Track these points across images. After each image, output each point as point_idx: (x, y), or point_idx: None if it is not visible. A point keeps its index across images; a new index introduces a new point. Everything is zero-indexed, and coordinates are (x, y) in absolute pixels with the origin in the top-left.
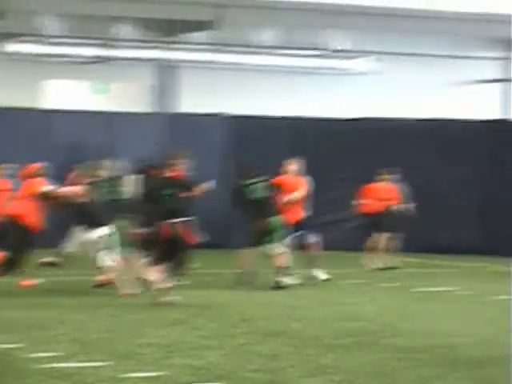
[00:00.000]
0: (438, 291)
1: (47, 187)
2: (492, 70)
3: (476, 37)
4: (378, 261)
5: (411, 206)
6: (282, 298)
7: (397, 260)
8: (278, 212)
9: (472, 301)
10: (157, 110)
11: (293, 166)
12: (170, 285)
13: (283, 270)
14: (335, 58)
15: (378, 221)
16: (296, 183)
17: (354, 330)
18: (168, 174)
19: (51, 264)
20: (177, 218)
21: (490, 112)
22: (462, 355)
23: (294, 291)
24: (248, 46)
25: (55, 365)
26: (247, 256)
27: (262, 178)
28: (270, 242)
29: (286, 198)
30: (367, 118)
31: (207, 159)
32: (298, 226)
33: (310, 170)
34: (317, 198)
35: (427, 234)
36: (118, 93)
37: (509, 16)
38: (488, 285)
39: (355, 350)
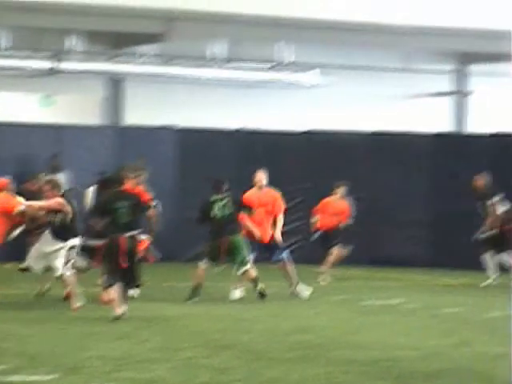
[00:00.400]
0: (386, 304)
1: (23, 205)
2: (443, 82)
3: (427, 50)
4: (328, 275)
5: (352, 220)
6: (232, 311)
7: (346, 273)
8: (240, 230)
9: (421, 314)
10: (106, 122)
11: (261, 177)
12: (122, 298)
13: (256, 281)
14: (285, 70)
15: (332, 235)
16: (267, 198)
17: (302, 342)
18: (122, 186)
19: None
20: (129, 231)
21: (440, 125)
22: (407, 368)
23: (244, 304)
24: (198, 59)
25: (2, 378)
26: (202, 270)
27: (227, 195)
28: (234, 260)
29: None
30: (317, 131)
31: (158, 172)
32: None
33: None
34: None
35: (377, 247)
36: (68, 105)
37: (459, 29)
38: (437, 298)
39: (303, 363)
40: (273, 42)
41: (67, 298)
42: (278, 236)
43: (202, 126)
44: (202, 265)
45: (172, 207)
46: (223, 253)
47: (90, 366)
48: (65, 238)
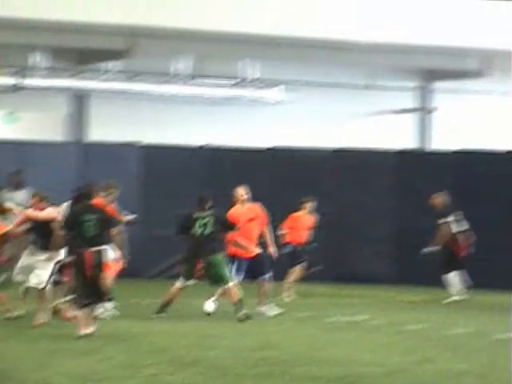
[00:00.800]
0: (351, 321)
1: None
2: (407, 99)
3: (390, 67)
4: (292, 292)
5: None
6: (197, 328)
7: (311, 290)
8: (221, 250)
9: (385, 330)
10: (70, 139)
11: (243, 192)
12: (89, 317)
13: (238, 305)
14: (249, 87)
15: (299, 251)
16: (252, 212)
17: (267, 359)
18: (91, 201)
19: None
20: (95, 245)
21: (404, 142)
22: None
23: (210, 321)
24: (162, 76)
25: None
26: (176, 288)
27: (210, 213)
28: (213, 279)
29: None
30: (282, 148)
31: (123, 188)
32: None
33: (227, 199)
34: None
35: (342, 264)
36: (31, 122)
37: (422, 46)
38: (401, 314)
39: (268, 379)
40: (237, 59)
41: (56, 313)
42: (273, 250)
43: (166, 142)
44: (178, 284)
45: (136, 224)
46: (199, 272)
47: (53, 382)
48: (52, 250)
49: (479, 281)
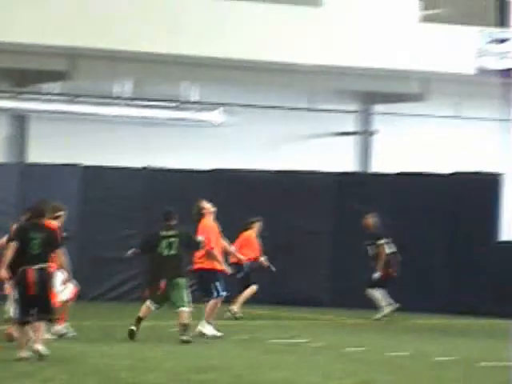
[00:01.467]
0: (292, 343)
1: None
2: (348, 122)
3: (331, 89)
4: (239, 312)
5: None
6: (138, 350)
7: (251, 312)
8: (185, 271)
9: (326, 353)
10: (10, 160)
11: (209, 206)
12: (31, 338)
13: (185, 328)
14: (191, 109)
15: (248, 272)
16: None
17: (206, 381)
18: (39, 219)
19: None
20: (39, 263)
21: (345, 164)
22: None
23: (150, 343)
24: (103, 97)
25: None
26: (147, 307)
27: (176, 233)
28: (173, 300)
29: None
30: (223, 170)
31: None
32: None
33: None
34: None
35: (281, 286)
36: None
37: (362, 69)
38: (341, 337)
39: None
40: (178, 81)
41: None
42: (227, 268)
43: (107, 164)
44: (149, 304)
45: (76, 246)
46: (163, 294)
47: None
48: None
49: (418, 303)
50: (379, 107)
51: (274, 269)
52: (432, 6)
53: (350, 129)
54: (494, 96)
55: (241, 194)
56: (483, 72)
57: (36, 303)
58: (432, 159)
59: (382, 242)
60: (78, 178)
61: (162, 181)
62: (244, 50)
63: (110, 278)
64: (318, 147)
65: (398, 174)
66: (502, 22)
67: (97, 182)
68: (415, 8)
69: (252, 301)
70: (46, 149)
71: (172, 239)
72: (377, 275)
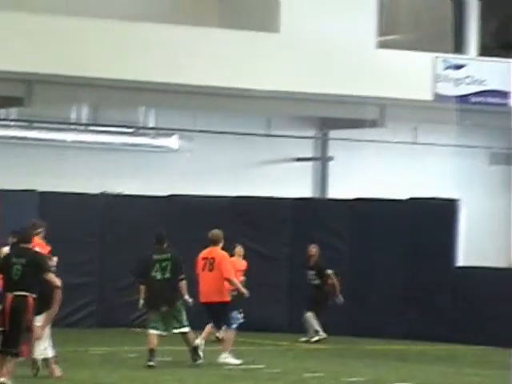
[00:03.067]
0: (248, 369)
1: None
2: (305, 148)
3: (288, 115)
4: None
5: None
6: (93, 376)
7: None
8: (179, 295)
9: (283, 378)
10: None
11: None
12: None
13: (193, 350)
14: (148, 135)
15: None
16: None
17: None
18: (26, 244)
19: None
20: (18, 290)
21: (302, 190)
22: None
23: (106, 369)
24: (60, 123)
25: None
26: (152, 336)
27: (168, 256)
28: (171, 324)
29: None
30: (179, 195)
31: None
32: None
33: (123, 246)
34: None
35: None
36: None
37: (318, 95)
38: (298, 362)
39: None
40: (135, 107)
41: None
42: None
43: (64, 189)
44: (152, 331)
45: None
46: (164, 319)
47: None
48: None
49: (375, 329)
50: (336, 133)
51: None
52: (389, 32)
53: (307, 155)
54: (451, 122)
55: (197, 220)
56: (440, 98)
57: (9, 332)
58: (389, 185)
59: (330, 272)
60: (35, 203)
61: (119, 206)
62: (201, 76)
63: (66, 304)
64: (275, 173)
65: (356, 200)
66: (458, 48)
67: (53, 207)
68: (372, 34)
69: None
70: (3, 175)
71: (165, 263)
72: (339, 301)
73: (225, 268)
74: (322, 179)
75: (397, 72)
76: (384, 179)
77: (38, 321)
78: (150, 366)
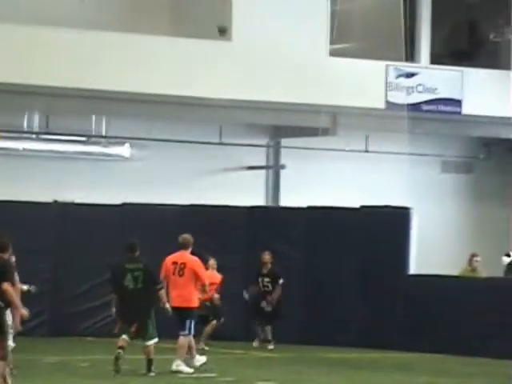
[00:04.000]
0: (201, 377)
1: None
2: (257, 156)
3: (240, 124)
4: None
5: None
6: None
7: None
8: (153, 305)
9: None
10: None
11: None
12: None
13: (150, 361)
14: (100, 143)
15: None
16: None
17: None
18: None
19: None
20: None
21: (255, 198)
22: None
23: (59, 378)
24: (12, 131)
25: None
26: (124, 341)
27: (140, 267)
28: (146, 336)
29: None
30: (132, 204)
31: None
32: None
33: (75, 255)
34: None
35: None
36: None
37: (274, 103)
38: (252, 371)
39: None
40: (87, 115)
41: None
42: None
43: (16, 198)
44: (124, 337)
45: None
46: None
47: None
48: None
49: (328, 336)
50: (289, 141)
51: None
52: (341, 40)
53: (260, 163)
54: (403, 130)
55: (150, 228)
56: (392, 106)
57: None
58: (341, 193)
59: (281, 282)
60: None
61: (72, 215)
62: (153, 84)
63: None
64: (227, 181)
65: (309, 208)
66: (410, 57)
67: (6, 216)
68: (324, 42)
69: (163, 335)
70: None
71: (137, 273)
72: (269, 308)
73: (202, 273)
74: (275, 187)
75: (349, 80)
76: (336, 187)
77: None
78: (117, 357)
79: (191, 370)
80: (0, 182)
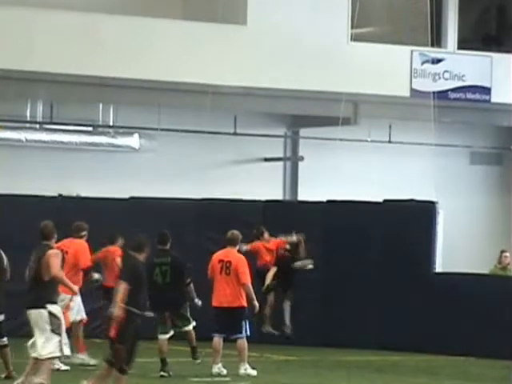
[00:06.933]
0: (212, 381)
1: None
2: (274, 147)
3: (258, 113)
4: None
5: None
6: None
7: None
8: (182, 297)
9: None
10: None
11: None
12: None
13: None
14: (107, 134)
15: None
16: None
17: None
18: None
19: None
20: None
21: (272, 191)
22: None
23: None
24: (14, 121)
25: None
26: (162, 342)
27: (169, 260)
28: (182, 323)
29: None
30: (142, 198)
31: None
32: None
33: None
34: None
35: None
36: None
37: (292, 91)
38: (263, 374)
39: None
40: (94, 104)
41: None
42: None
43: (19, 192)
44: (161, 337)
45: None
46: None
47: None
48: None
49: (347, 339)
50: (307, 131)
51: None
52: (363, 25)
53: (277, 154)
54: (428, 119)
55: (160, 223)
56: (417, 94)
57: None
58: (363, 186)
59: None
60: None
61: (77, 208)
62: (164, 71)
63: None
64: (242, 174)
65: (328, 203)
66: (436, 42)
67: (6, 210)
68: (345, 26)
69: (174, 337)
70: None
71: (164, 267)
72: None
73: (242, 273)
74: (293, 180)
75: (371, 66)
76: (358, 180)
77: None
78: (162, 376)
79: (255, 373)
80: (1, 174)
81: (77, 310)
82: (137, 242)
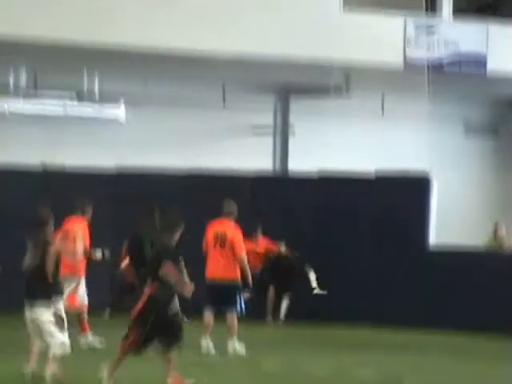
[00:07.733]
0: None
1: None
2: (265, 118)
3: (248, 82)
4: None
5: None
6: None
7: None
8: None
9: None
10: None
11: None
12: None
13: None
14: (93, 104)
15: None
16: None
17: None
18: None
19: None
20: None
21: (262, 163)
22: None
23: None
24: None
25: None
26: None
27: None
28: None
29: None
30: (128, 168)
31: None
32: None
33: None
34: None
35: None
36: None
37: (282, 59)
38: (253, 351)
39: None
40: (77, 71)
41: None
42: None
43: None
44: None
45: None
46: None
47: None
48: None
49: (341, 313)
50: (298, 102)
51: None
52: None
53: (266, 123)
54: (423, 89)
55: (146, 195)
56: (411, 63)
57: None
58: (354, 158)
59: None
60: None
61: (62, 180)
62: (149, 38)
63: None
64: (231, 145)
65: (319, 176)
66: (431, 9)
67: None
68: None
69: None
70: None
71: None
72: None
73: (238, 246)
74: (283, 151)
75: (363, 34)
76: (349, 152)
77: None
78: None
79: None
80: None
81: (82, 295)
82: (168, 222)
